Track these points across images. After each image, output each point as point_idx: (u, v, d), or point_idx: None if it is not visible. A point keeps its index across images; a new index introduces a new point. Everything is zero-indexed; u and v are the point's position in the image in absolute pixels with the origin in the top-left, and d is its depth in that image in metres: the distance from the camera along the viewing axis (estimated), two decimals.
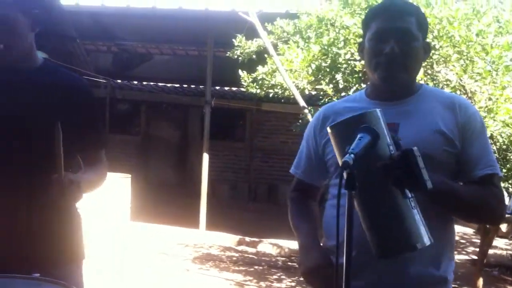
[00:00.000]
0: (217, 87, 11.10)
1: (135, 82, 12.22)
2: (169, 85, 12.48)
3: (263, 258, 7.35)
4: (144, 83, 12.32)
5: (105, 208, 5.43)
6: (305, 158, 1.90)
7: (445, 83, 4.41)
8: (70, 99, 1.88)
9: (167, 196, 10.03)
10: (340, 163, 1.38)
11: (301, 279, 6.20)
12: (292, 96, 5.33)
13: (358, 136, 1.39)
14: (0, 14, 1.75)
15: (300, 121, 5.79)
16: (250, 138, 12.63)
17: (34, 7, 1.85)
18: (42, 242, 1.80)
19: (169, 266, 6.46)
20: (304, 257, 1.74)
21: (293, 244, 7.81)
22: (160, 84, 12.50)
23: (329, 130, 1.54)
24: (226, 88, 11.71)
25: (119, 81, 11.98)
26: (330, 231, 1.73)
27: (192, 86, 12.11)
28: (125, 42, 10.85)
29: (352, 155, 1.30)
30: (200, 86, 11.71)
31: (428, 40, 1.98)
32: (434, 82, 4.43)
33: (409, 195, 1.45)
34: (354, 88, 4.62)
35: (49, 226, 1.81)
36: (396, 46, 1.68)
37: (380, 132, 1.44)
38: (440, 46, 4.18)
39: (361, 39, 1.88)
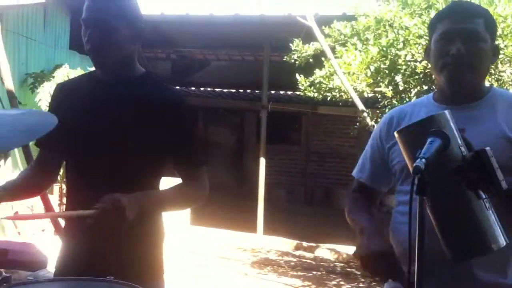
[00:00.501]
0: (272, 91, 11.13)
1: (193, 88, 12.44)
2: (225, 90, 12.63)
3: (321, 263, 7.30)
4: (202, 89, 12.52)
5: (166, 213, 5.54)
6: (370, 162, 1.87)
7: (510, 83, 4.25)
8: (165, 114, 1.81)
9: (225, 200, 10.13)
10: (410, 168, 1.35)
11: (361, 285, 6.12)
12: (350, 99, 5.28)
13: (429, 140, 1.36)
14: (104, 20, 1.76)
15: (357, 124, 5.72)
16: (306, 142, 12.60)
17: (138, 20, 1.85)
18: (126, 257, 1.78)
19: (228, 270, 6.52)
20: (367, 241, 1.67)
21: (352, 250, 7.70)
22: (217, 89, 12.67)
23: (396, 134, 1.51)
24: (282, 92, 11.73)
25: (177, 87, 12.23)
26: (400, 238, 1.70)
27: (248, 90, 12.20)
28: (183, 49, 11.06)
29: (423, 160, 1.28)
30: (256, 91, 11.78)
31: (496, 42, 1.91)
32: (499, 82, 4.28)
33: (484, 196, 1.41)
34: (415, 90, 4.53)
35: (135, 241, 1.79)
36: (462, 47, 1.63)
37: (450, 134, 1.41)
38: (505, 45, 4.04)
39: (421, 40, 1.83)
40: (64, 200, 6.49)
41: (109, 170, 1.77)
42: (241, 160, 12.61)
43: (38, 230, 5.77)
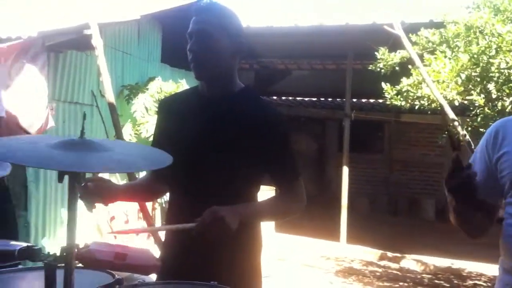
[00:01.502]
0: (354, 99, 11.06)
1: (275, 97, 12.59)
2: (306, 99, 12.69)
3: (407, 274, 7.16)
4: (283, 98, 12.66)
5: None
6: (477, 174, 1.85)
7: None
8: (264, 129, 1.85)
9: (307, 208, 10.12)
10: None
11: None
12: (439, 108, 5.19)
13: None
14: (207, 31, 1.82)
15: (446, 132, 5.60)
16: (389, 150, 12.38)
17: (239, 35, 1.88)
18: (227, 265, 1.84)
19: (313, 278, 6.56)
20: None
21: (439, 261, 7.51)
22: (298, 98, 12.76)
23: None
24: (364, 100, 11.62)
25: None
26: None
27: (329, 99, 12.19)
28: (265, 60, 11.25)
29: None
30: (337, 99, 11.74)
31: None
32: None
33: None
34: (510, 98, 4.39)
35: (235, 250, 1.85)
36: None
37: None
38: None
39: None
40: (156, 205, 6.82)
41: (209, 183, 1.85)
42: (322, 168, 12.60)
43: (133, 234, 6.07)
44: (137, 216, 6.20)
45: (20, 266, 1.76)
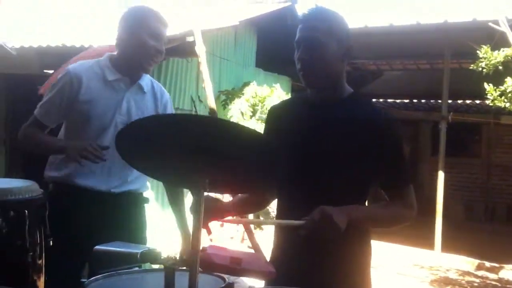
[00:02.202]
0: (450, 101, 10.67)
1: None
2: (398, 101, 12.39)
3: (507, 286, 6.82)
4: (374, 100, 12.44)
5: None
6: None
7: None
8: (376, 135, 1.82)
9: None
10: None
11: None
12: None
13: None
14: (314, 38, 1.82)
15: None
16: (487, 154, 11.81)
17: (347, 39, 1.87)
18: (337, 270, 1.85)
19: (407, 287, 6.41)
20: None
21: None
22: (389, 100, 12.49)
23: None
24: (460, 101, 11.18)
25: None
26: None
27: (423, 100, 11.83)
28: (357, 61, 11.12)
29: None
30: (431, 101, 11.38)
31: None
32: None
33: None
34: None
35: (344, 255, 1.85)
36: None
37: None
38: None
39: None
40: None
41: (320, 189, 1.85)
42: (414, 173, 12.24)
43: (227, 237, 6.24)
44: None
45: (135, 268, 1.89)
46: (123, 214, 2.49)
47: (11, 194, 1.94)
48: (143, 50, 2.41)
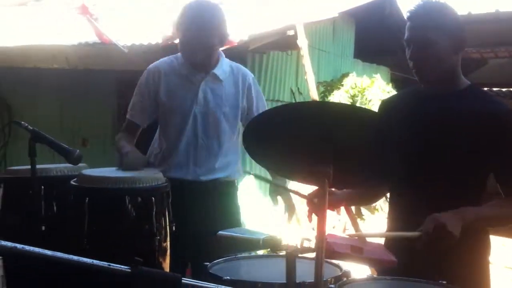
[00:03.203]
0: None
1: None
2: (504, 89, 11.71)
3: None
4: None
5: None
6: None
7: None
8: (495, 127, 1.77)
9: None
10: None
11: None
12: None
13: None
14: (423, 36, 1.79)
15: None
16: None
17: (459, 30, 1.82)
18: (454, 270, 1.79)
19: None
20: None
21: None
22: (494, 89, 11.84)
23: None
24: None
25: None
26: None
27: None
28: None
29: None
30: None
31: None
32: None
33: None
34: None
35: (461, 255, 1.80)
36: None
37: None
38: None
39: None
40: None
41: (436, 183, 1.81)
42: None
43: (329, 226, 6.25)
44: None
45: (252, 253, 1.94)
46: (213, 201, 2.53)
47: (139, 182, 2.08)
48: (189, 47, 2.45)
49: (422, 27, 1.80)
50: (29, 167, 2.12)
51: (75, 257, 1.23)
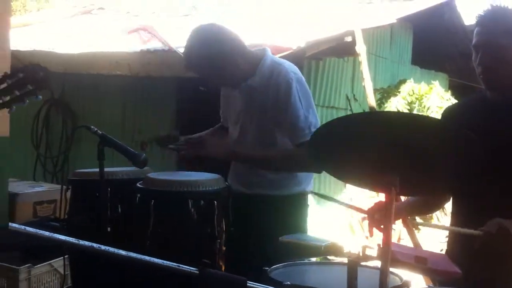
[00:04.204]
0: None
1: None
2: None
3: None
4: None
5: None
6: None
7: None
8: None
9: None
10: None
11: None
12: None
13: None
14: (493, 41, 1.78)
15: None
16: None
17: None
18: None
19: None
20: None
21: None
22: None
23: None
24: None
25: None
26: None
27: None
28: None
29: None
30: None
31: None
32: None
33: None
34: None
35: None
36: None
37: None
38: None
39: None
40: None
41: (503, 192, 1.79)
42: None
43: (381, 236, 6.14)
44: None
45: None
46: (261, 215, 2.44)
47: (202, 185, 2.12)
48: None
49: (492, 32, 1.79)
50: (95, 170, 2.21)
51: (147, 257, 1.28)
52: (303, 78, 2.43)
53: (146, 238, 2.05)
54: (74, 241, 1.23)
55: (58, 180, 6.18)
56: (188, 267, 1.31)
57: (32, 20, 8.07)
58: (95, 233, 2.27)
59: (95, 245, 1.22)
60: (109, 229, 2.24)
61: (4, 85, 1.55)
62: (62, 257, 3.00)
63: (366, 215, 1.99)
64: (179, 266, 1.31)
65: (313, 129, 2.26)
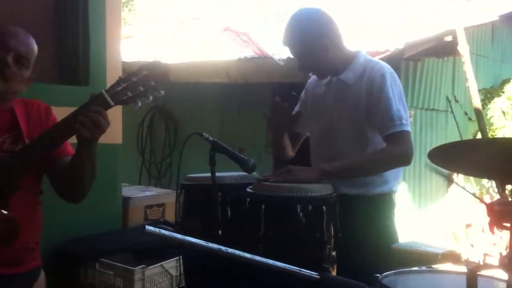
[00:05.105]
0: None
1: None
2: None
3: None
4: None
5: None
6: None
7: None
8: None
9: None
10: None
11: None
12: None
13: None
14: None
15: None
16: None
17: None
18: None
19: None
20: None
21: None
22: None
23: None
24: None
25: None
26: None
27: None
28: None
29: None
30: None
31: None
32: None
33: None
34: None
35: None
36: None
37: None
38: None
39: None
40: None
41: None
42: None
43: (489, 243, 5.84)
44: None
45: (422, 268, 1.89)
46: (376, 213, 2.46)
47: (310, 191, 2.15)
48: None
49: None
50: (205, 175, 2.30)
51: (270, 261, 1.32)
52: (395, 74, 2.39)
53: (258, 242, 2.11)
54: (204, 243, 1.29)
55: (162, 184, 6.47)
56: (308, 271, 1.33)
57: (133, 32, 8.51)
58: (207, 236, 2.39)
59: (222, 248, 1.27)
60: (220, 232, 2.33)
61: (129, 82, 1.64)
62: (173, 259, 3.17)
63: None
64: (300, 270, 1.33)
65: (404, 122, 2.26)
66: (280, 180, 2.20)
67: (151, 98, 1.68)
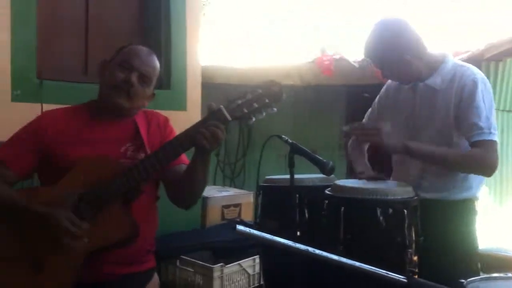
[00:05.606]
0: None
1: None
2: None
3: None
4: None
5: None
6: None
7: None
8: None
9: None
10: None
11: None
12: None
13: None
14: None
15: None
16: None
17: None
18: None
19: None
20: None
21: None
22: None
23: None
24: None
25: None
26: None
27: None
28: None
29: None
30: None
31: None
32: None
33: None
34: None
35: None
36: None
37: None
38: None
39: None
40: None
41: None
42: None
43: None
44: None
45: None
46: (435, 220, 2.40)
47: (390, 194, 2.13)
48: None
49: None
50: (283, 176, 2.34)
51: (357, 263, 1.33)
52: (487, 80, 2.34)
53: (338, 243, 2.12)
54: (292, 244, 1.32)
55: (236, 185, 6.58)
56: (397, 275, 1.33)
57: (204, 35, 8.65)
58: (285, 238, 2.43)
59: (310, 248, 1.30)
60: (298, 233, 2.36)
61: (245, 99, 1.76)
62: (250, 258, 3.23)
63: None
64: (387, 273, 1.34)
65: (493, 132, 2.23)
66: (365, 138, 2.36)
67: (264, 114, 1.78)
